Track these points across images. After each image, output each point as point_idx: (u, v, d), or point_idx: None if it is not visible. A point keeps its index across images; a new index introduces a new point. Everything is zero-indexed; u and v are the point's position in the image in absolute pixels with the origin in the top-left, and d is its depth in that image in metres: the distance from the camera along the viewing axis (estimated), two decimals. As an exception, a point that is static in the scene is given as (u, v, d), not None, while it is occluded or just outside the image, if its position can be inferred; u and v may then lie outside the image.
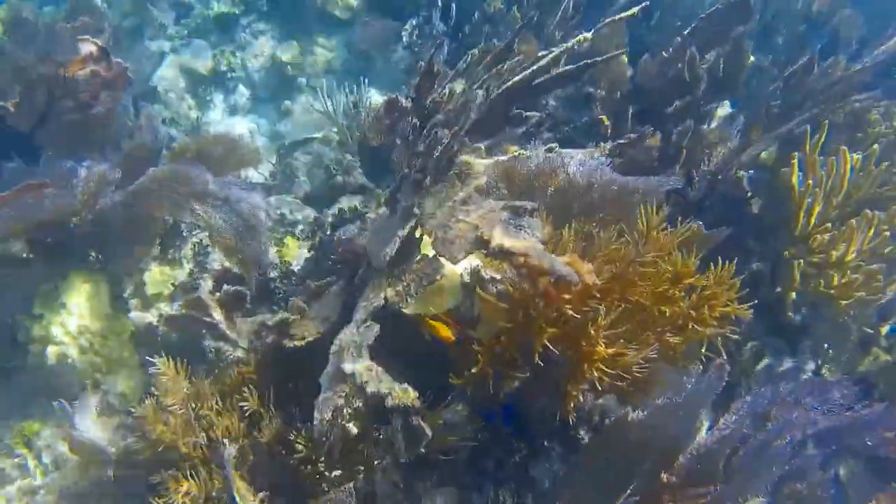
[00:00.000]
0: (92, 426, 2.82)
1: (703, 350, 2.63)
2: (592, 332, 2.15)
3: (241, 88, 5.28)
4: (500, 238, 2.18)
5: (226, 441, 2.30)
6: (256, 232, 3.04)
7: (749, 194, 3.61)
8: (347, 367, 2.02)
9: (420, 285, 2.36)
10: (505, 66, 3.11)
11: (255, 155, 3.56)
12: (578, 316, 2.15)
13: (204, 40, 5.38)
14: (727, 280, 2.27)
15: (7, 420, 3.17)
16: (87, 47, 3.38)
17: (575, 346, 2.20)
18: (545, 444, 2.91)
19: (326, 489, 2.59)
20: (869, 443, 2.73)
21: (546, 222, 2.45)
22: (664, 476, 2.20)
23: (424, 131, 2.79)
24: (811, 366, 3.40)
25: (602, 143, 3.00)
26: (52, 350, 3.08)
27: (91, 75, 3.47)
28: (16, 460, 3.08)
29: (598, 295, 2.18)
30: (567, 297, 2.16)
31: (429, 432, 1.98)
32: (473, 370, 2.28)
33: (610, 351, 2.16)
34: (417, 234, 2.59)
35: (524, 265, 2.16)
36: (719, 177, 3.55)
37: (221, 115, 5.16)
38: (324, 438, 2.14)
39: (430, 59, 2.92)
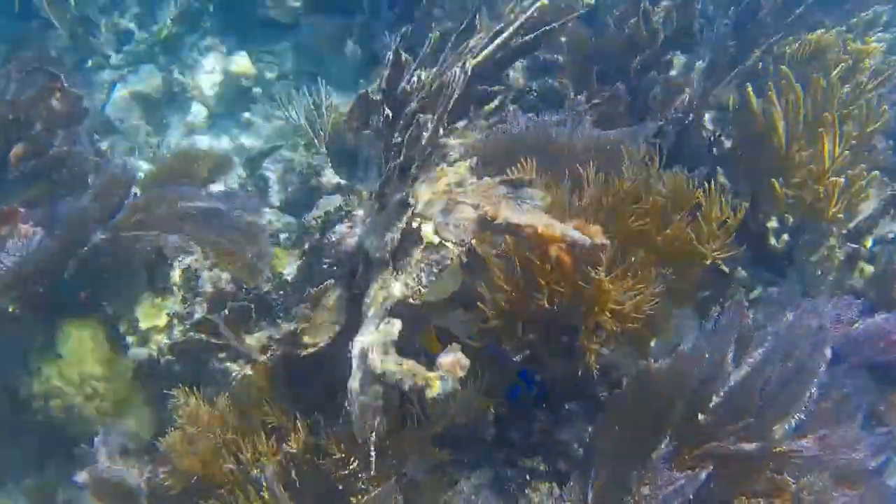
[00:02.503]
0: (115, 464, 2.68)
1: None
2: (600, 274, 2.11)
3: (196, 107, 5.09)
4: (505, 213, 2.12)
5: (263, 460, 2.20)
6: (256, 237, 2.92)
7: (717, 134, 3.61)
8: (376, 365, 1.93)
9: (431, 274, 2.28)
10: (469, 45, 3.04)
11: (226, 161, 3.41)
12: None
13: (152, 64, 5.17)
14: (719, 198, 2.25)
15: (23, 482, 3.02)
16: (40, 78, 3.19)
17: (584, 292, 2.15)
18: (566, 407, 2.89)
19: (364, 487, 2.52)
20: (874, 353, 2.75)
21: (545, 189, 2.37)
22: (700, 417, 2.17)
23: (403, 121, 2.71)
24: (800, 289, 3.41)
25: (579, 104, 2.94)
26: (55, 403, 2.93)
27: (46, 111, 3.30)
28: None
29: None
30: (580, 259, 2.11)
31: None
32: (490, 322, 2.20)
33: (619, 289, 2.12)
34: (416, 224, 2.50)
35: (534, 236, 2.11)
36: (686, 121, 3.54)
37: (181, 136, 4.97)
38: (361, 440, 2.05)
39: (396, 50, 2.83)
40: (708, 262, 2.36)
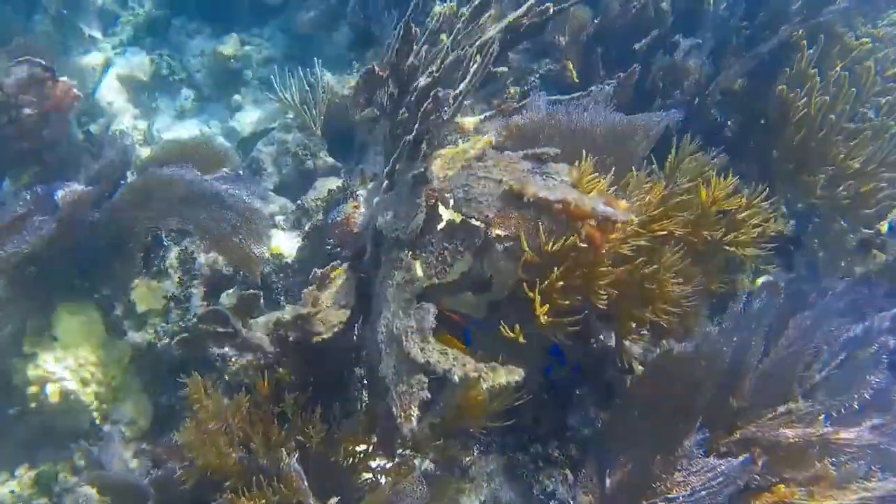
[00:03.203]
0: (119, 462, 2.52)
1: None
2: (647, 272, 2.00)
3: (185, 90, 4.90)
4: (533, 188, 2.00)
5: (284, 450, 2.07)
6: (255, 225, 2.77)
7: (724, 118, 3.52)
8: (417, 355, 1.80)
9: (456, 254, 2.15)
10: (480, 22, 2.91)
11: (227, 155, 3.25)
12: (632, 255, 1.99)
13: (138, 46, 4.96)
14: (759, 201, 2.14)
15: (16, 468, 2.84)
16: (30, 69, 3.00)
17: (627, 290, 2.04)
18: (577, 392, 2.79)
19: (381, 479, 2.40)
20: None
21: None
22: (733, 402, 2.07)
23: (413, 96, 2.58)
24: (810, 275, 3.34)
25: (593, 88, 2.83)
26: (52, 389, 2.76)
27: (37, 96, 3.11)
28: (36, 510, 2.77)
29: (642, 232, 2.02)
30: (612, 237, 2.00)
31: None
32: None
33: (662, 288, 2.01)
34: (432, 202, 2.37)
35: (563, 211, 1.99)
36: (695, 103, 3.45)
37: (170, 120, 4.78)
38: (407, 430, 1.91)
39: (407, 23, 2.69)
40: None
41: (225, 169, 3.06)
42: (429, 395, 1.77)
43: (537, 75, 3.83)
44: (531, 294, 2.07)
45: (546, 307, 2.04)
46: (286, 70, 4.48)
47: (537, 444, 2.70)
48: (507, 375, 1.68)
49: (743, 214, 2.15)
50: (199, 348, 2.88)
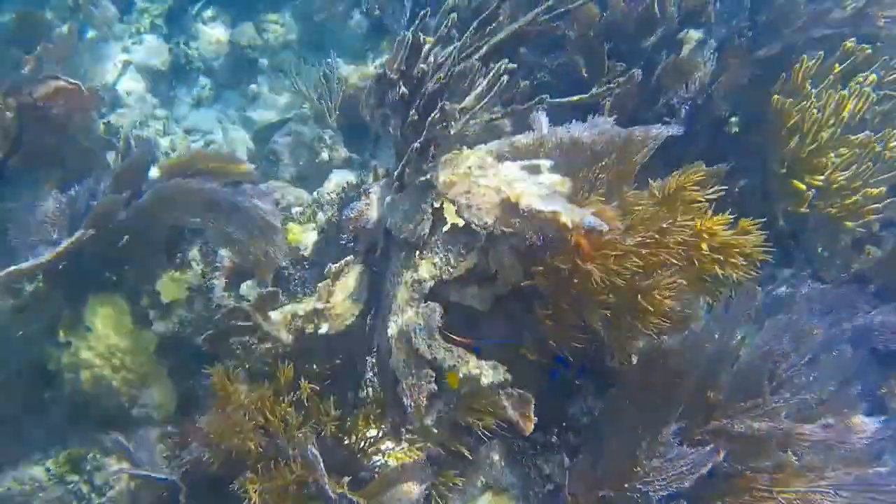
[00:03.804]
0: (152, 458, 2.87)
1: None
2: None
3: (202, 79, 5.19)
4: (526, 198, 2.27)
5: (302, 434, 2.39)
6: (271, 237, 3.08)
7: (728, 116, 3.73)
8: (425, 350, 2.10)
9: (459, 255, 2.44)
10: (490, 28, 3.15)
11: (246, 168, 3.55)
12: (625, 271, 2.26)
13: (154, 34, 5.25)
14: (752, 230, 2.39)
15: (51, 450, 3.20)
16: (57, 84, 3.33)
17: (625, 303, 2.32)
18: (577, 381, 3.07)
19: (390, 461, 2.71)
20: (881, 340, 2.92)
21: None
22: (710, 394, 2.35)
23: (421, 101, 2.83)
24: (807, 271, 3.58)
25: (596, 90, 3.06)
26: (85, 375, 3.10)
27: (64, 102, 3.43)
28: (69, 486, 3.13)
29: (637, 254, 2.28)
30: (603, 252, 2.27)
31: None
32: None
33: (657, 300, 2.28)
34: (438, 205, 2.65)
35: (553, 221, 2.26)
36: (699, 102, 3.67)
37: (188, 109, 5.08)
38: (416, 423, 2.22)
39: (415, 31, 2.93)
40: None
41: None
42: (435, 388, 2.07)
43: (547, 70, 4.06)
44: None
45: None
46: (302, 59, 4.76)
47: (537, 431, 3.00)
48: (506, 373, 1.98)
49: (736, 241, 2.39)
50: (223, 343, 3.22)
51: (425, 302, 2.25)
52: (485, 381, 1.97)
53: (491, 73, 2.49)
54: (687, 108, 3.60)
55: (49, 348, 3.14)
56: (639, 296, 2.25)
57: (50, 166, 3.45)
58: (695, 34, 3.73)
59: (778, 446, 2.23)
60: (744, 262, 2.29)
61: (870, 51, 3.24)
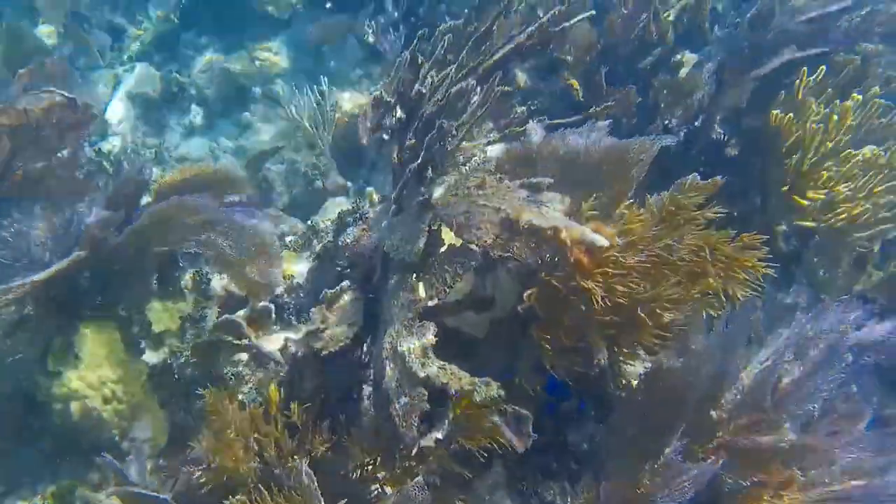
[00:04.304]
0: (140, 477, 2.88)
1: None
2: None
3: (195, 107, 5.29)
4: (527, 216, 2.33)
5: (296, 458, 2.41)
6: (268, 255, 3.13)
7: (726, 137, 3.83)
8: (417, 369, 2.14)
9: (455, 276, 2.49)
10: (485, 48, 3.25)
11: (241, 181, 3.62)
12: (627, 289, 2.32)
13: (146, 62, 5.36)
14: (755, 245, 2.46)
15: (39, 483, 3.21)
16: (52, 98, 3.40)
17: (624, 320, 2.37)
18: (578, 412, 3.10)
19: (385, 489, 2.72)
20: (883, 357, 2.97)
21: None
22: (714, 413, 2.39)
23: (419, 123, 2.92)
24: (809, 292, 3.64)
25: (594, 108, 3.15)
26: (75, 406, 3.12)
27: (57, 122, 3.49)
28: (57, 521, 3.13)
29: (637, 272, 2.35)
30: (604, 269, 2.33)
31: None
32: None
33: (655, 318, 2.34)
34: (436, 226, 2.71)
35: (553, 238, 2.32)
36: (697, 123, 3.77)
37: (180, 137, 5.17)
38: (409, 439, 2.24)
39: (413, 51, 3.03)
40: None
41: (239, 197, 3.43)
42: (427, 407, 2.10)
43: (545, 94, 4.17)
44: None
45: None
46: (295, 86, 4.86)
47: (538, 458, 3.02)
48: (499, 389, 2.02)
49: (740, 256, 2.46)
50: (212, 358, 3.25)
51: (420, 322, 2.29)
52: (478, 397, 2.01)
53: (486, 87, 2.56)
54: (685, 129, 3.69)
55: (39, 377, 3.16)
56: (639, 310, 2.30)
57: (42, 190, 3.50)
58: (692, 56, 3.84)
59: (783, 461, 2.26)
60: (747, 278, 2.35)
61: (859, 62, 3.36)
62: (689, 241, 2.39)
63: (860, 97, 3.28)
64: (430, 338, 2.21)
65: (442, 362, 2.14)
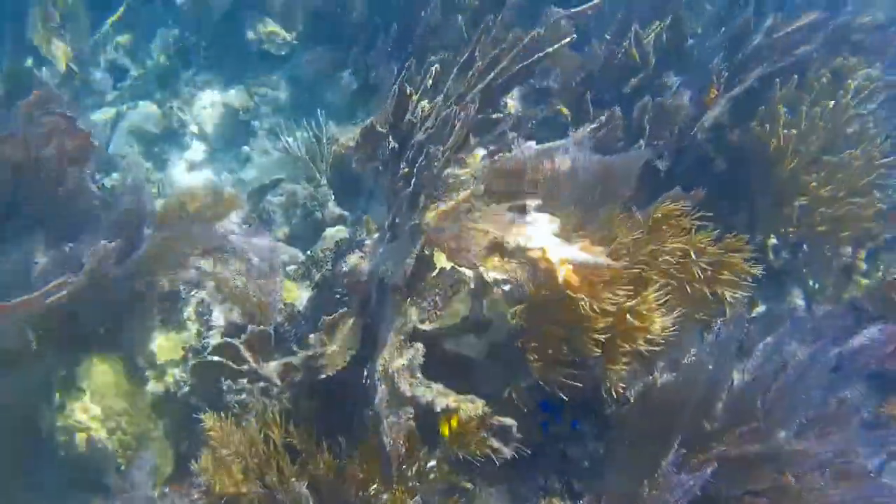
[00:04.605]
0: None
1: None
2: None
3: (196, 143, 5.40)
4: (515, 238, 2.40)
5: (294, 481, 2.45)
6: (271, 274, 3.19)
7: (713, 157, 3.91)
8: (406, 389, 2.19)
9: (445, 298, 2.55)
10: (470, 74, 3.34)
11: (236, 199, 3.69)
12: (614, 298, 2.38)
13: (149, 100, 5.48)
14: (739, 247, 2.53)
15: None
16: (52, 119, 3.47)
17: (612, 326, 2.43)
18: (575, 428, 3.14)
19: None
20: (872, 362, 3.01)
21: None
22: (706, 424, 2.43)
23: (410, 152, 3.00)
24: (801, 303, 3.70)
25: (576, 131, 3.23)
26: (80, 437, 3.17)
27: (57, 150, 3.57)
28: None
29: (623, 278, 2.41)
30: (590, 282, 2.39)
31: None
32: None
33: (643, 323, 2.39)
34: (428, 251, 2.77)
35: (542, 259, 2.39)
36: (683, 144, 3.84)
37: (181, 173, 5.26)
38: (387, 455, 2.30)
39: (402, 82, 3.12)
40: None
41: (236, 219, 3.50)
42: (413, 425, 2.15)
43: (535, 121, 4.25)
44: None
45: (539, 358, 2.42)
46: (293, 120, 4.97)
47: (539, 476, 3.06)
48: (485, 406, 2.07)
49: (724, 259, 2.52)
50: (210, 391, 3.30)
51: (410, 344, 2.35)
52: (463, 414, 2.06)
53: (465, 112, 2.64)
54: (672, 150, 3.77)
55: (43, 410, 3.21)
56: (628, 315, 2.36)
57: (45, 223, 3.57)
58: (675, 79, 3.92)
59: (776, 468, 2.30)
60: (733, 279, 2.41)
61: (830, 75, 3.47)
62: (674, 244, 2.45)
63: (831, 103, 3.36)
64: (419, 356, 2.27)
65: (429, 382, 2.20)
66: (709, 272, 2.53)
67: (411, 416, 2.17)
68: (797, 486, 2.25)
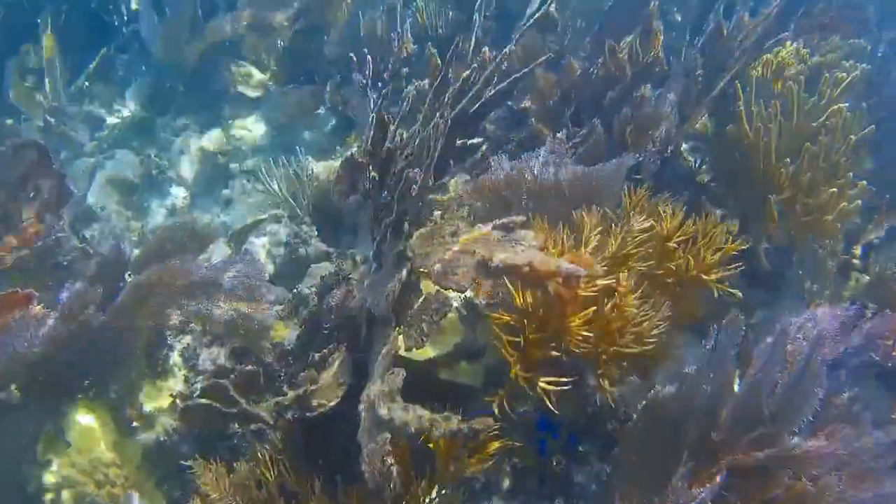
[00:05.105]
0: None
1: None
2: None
3: (175, 188, 5.34)
4: (501, 256, 2.33)
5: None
6: (258, 303, 3.12)
7: (695, 162, 3.88)
8: (384, 413, 2.11)
9: (432, 323, 2.47)
10: (445, 98, 3.30)
11: (213, 230, 3.63)
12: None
13: (126, 149, 5.43)
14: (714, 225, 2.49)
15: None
16: (27, 154, 3.42)
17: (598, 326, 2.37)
18: (579, 448, 3.05)
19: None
20: (874, 356, 2.95)
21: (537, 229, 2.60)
22: (713, 435, 2.35)
23: (390, 179, 2.94)
24: (800, 304, 3.63)
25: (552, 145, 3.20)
26: (67, 494, 3.05)
27: (34, 193, 3.51)
28: None
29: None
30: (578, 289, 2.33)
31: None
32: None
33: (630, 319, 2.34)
34: (414, 278, 2.70)
35: (530, 274, 2.32)
36: (666, 154, 3.81)
37: (162, 219, 5.20)
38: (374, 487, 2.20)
39: (379, 111, 3.07)
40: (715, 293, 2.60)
41: (217, 251, 3.42)
42: (389, 449, 2.06)
43: (514, 143, 4.22)
44: (506, 352, 2.37)
45: (522, 366, 2.34)
46: (272, 160, 4.93)
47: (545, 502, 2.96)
48: (459, 423, 1.99)
49: (700, 242, 2.49)
50: (201, 439, 3.20)
51: (392, 370, 2.27)
52: (436, 431, 1.98)
53: (438, 131, 2.59)
54: (654, 162, 3.72)
55: (28, 466, 3.09)
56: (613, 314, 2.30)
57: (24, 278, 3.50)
58: (653, 90, 3.90)
59: (790, 473, 2.22)
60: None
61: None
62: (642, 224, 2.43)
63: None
64: (398, 381, 2.19)
65: (406, 404, 2.11)
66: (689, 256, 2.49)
67: (388, 441, 2.08)
68: (813, 490, 2.16)
